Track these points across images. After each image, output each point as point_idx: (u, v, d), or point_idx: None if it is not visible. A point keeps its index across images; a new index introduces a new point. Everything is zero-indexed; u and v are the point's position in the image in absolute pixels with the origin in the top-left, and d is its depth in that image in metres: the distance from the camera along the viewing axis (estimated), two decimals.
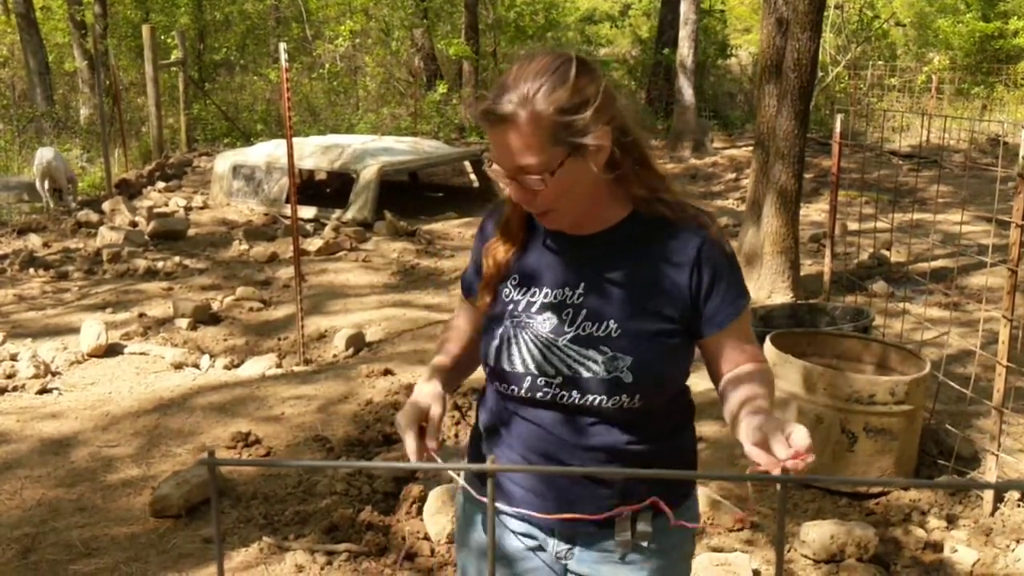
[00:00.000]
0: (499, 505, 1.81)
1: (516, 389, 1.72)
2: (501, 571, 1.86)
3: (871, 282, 7.31)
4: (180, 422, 4.74)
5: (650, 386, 1.66)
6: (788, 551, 3.55)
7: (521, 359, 1.70)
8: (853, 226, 8.54)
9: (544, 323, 1.70)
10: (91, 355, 5.77)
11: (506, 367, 1.72)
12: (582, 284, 1.70)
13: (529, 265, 1.76)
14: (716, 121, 17.75)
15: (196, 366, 5.77)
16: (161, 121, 13.55)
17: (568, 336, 1.68)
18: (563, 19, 22.09)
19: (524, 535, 1.82)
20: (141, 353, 5.91)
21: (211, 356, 5.95)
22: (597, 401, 1.66)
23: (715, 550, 3.52)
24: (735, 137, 16.89)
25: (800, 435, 1.41)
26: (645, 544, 1.74)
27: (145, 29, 13.47)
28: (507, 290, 1.76)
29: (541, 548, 1.81)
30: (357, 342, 6.11)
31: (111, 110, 13.12)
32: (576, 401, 1.67)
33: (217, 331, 6.44)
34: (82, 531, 3.68)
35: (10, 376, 5.35)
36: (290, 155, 5.51)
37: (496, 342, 1.73)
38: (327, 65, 17.58)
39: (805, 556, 3.49)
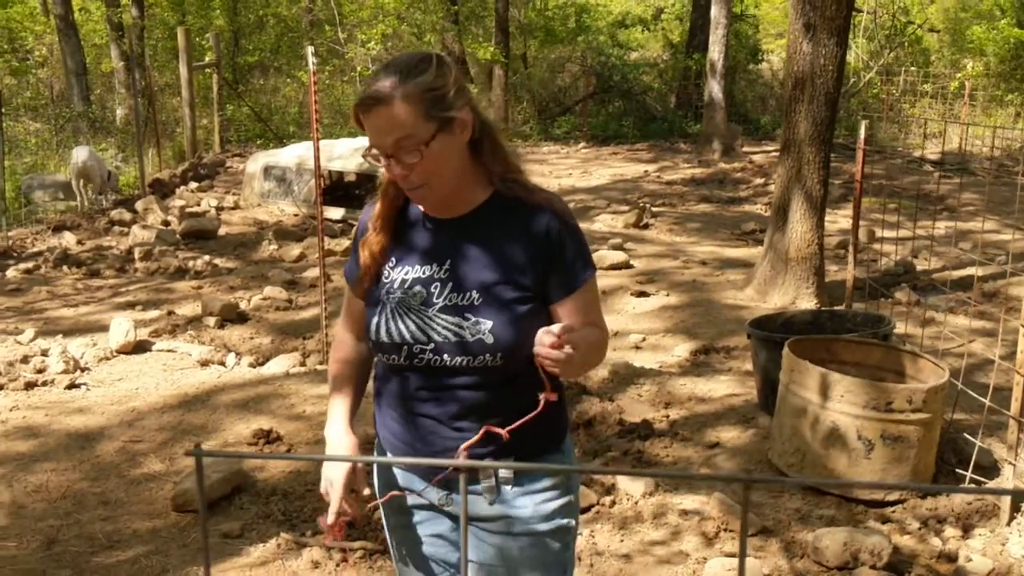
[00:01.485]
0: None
1: (396, 358, 1.95)
2: (394, 518, 2.09)
3: (896, 289, 7.26)
4: (204, 418, 4.82)
5: (510, 345, 1.88)
6: (802, 558, 3.55)
7: (398, 331, 1.93)
8: (880, 233, 8.48)
9: (415, 297, 1.94)
10: (120, 351, 5.88)
11: (385, 339, 1.95)
12: (448, 260, 1.94)
13: (403, 248, 2.00)
14: (746, 125, 17.68)
15: (222, 364, 5.85)
16: (195, 122, 13.73)
17: (437, 307, 1.91)
18: (595, 23, 22.06)
19: (407, 487, 2.06)
20: (169, 350, 6.01)
21: (237, 354, 6.03)
22: (464, 361, 1.89)
23: (728, 555, 3.53)
24: (764, 142, 16.82)
25: (566, 326, 1.75)
26: (508, 487, 1.95)
27: (180, 31, 13.67)
28: (385, 272, 2.00)
29: (423, 496, 2.04)
30: None
31: (146, 111, 13.31)
32: (448, 363, 1.90)
33: (244, 330, 6.53)
34: (105, 524, 3.77)
35: (40, 371, 5.47)
36: (316, 157, 5.58)
37: (376, 318, 1.96)
38: (359, 68, 17.71)
39: (819, 563, 3.49)
